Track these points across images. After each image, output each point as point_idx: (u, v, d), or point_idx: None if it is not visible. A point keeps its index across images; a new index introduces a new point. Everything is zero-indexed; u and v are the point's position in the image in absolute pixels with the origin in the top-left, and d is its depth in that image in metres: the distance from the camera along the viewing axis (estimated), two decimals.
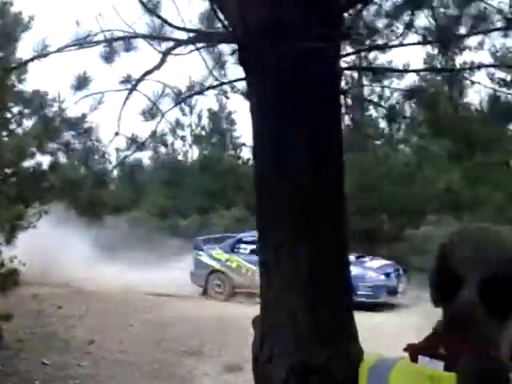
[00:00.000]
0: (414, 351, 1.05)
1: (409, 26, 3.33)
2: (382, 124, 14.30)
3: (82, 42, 3.28)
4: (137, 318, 10.53)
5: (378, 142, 15.96)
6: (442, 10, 4.23)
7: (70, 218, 9.25)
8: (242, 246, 13.04)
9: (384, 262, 12.38)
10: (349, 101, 3.72)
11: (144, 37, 2.86)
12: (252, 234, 13.04)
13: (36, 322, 9.83)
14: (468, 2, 3.79)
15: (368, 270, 11.62)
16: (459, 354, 0.96)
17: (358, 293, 10.83)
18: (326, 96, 2.14)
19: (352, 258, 12.30)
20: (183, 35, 2.80)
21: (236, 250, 13.06)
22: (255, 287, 12.29)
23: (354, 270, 11.16)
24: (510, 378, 0.93)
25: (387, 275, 11.55)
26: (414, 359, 1.03)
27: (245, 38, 2.18)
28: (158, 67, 2.98)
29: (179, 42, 2.69)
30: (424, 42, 3.58)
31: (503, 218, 13.63)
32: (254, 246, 12.62)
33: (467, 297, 0.99)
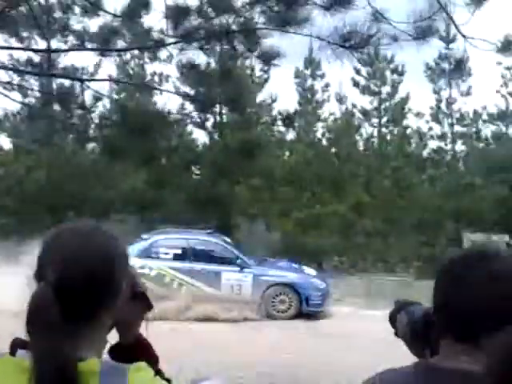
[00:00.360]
0: (12, 346, 1.05)
1: (64, 29, 3.25)
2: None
3: None
4: None
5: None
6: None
7: None
8: (162, 250, 10.80)
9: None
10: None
11: None
12: (171, 236, 11.19)
13: None
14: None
15: (312, 277, 11.18)
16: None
17: (311, 302, 10.48)
18: None
19: (284, 263, 11.69)
20: None
21: (154, 255, 10.73)
22: (185, 299, 10.04)
23: (300, 278, 10.79)
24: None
25: (325, 282, 11.21)
26: (12, 353, 1.03)
27: None
28: None
29: None
30: (82, 49, 3.56)
31: (181, 217, 14.71)
32: (178, 251, 10.72)
33: (40, 293, 0.98)
